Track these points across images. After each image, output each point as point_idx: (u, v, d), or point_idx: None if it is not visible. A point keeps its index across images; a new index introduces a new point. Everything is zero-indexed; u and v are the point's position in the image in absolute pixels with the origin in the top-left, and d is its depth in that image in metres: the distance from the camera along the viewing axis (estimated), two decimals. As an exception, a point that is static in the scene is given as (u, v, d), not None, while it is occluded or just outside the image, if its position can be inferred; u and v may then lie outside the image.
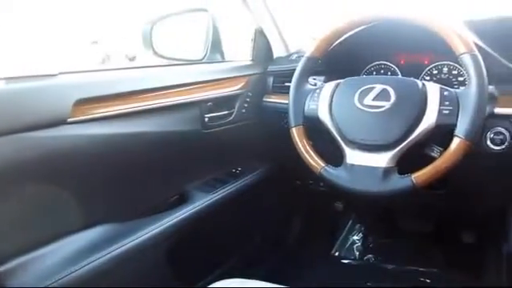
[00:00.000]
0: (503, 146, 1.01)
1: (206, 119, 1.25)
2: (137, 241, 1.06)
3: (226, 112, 1.32)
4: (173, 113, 1.16)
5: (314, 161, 1.03)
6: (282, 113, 1.16)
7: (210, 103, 1.25)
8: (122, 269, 1.04)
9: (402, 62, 1.30)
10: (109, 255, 1.00)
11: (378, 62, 1.34)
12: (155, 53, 1.27)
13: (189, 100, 1.19)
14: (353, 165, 0.98)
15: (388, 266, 1.70)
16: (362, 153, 0.98)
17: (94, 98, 0.97)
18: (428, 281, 1.58)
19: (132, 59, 4.12)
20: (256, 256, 1.61)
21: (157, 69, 1.24)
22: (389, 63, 1.32)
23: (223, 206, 1.31)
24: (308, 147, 1.05)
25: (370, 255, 1.79)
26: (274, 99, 1.38)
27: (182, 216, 1.18)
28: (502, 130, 1.01)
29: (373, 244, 1.83)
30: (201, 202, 1.25)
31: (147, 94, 1.09)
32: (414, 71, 1.25)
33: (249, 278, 0.90)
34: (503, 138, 1.00)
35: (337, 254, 1.82)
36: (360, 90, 1.00)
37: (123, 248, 1.03)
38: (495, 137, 1.01)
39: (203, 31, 1.37)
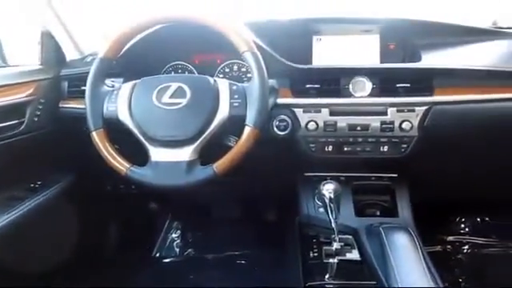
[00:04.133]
0: (287, 131, 1.17)
1: None
2: None
3: (14, 122, 1.19)
4: None
5: (119, 163, 1.02)
6: (81, 118, 1.11)
7: None
8: None
9: (197, 61, 1.38)
10: None
11: (175, 63, 1.39)
12: None
13: None
14: (157, 162, 1.00)
15: (208, 256, 1.79)
16: (165, 149, 1.01)
17: None
18: (243, 262, 1.73)
19: None
20: (74, 270, 1.50)
21: None
22: (185, 63, 1.38)
23: (25, 224, 1.19)
24: (111, 150, 1.03)
25: (190, 249, 1.85)
26: (71, 105, 1.30)
27: None
28: (285, 117, 1.17)
29: (192, 238, 1.90)
30: None
31: None
32: (209, 70, 1.35)
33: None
34: (286, 125, 1.16)
35: (158, 254, 1.83)
36: (157, 89, 1.03)
37: None
38: (280, 124, 1.16)
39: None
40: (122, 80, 1.23)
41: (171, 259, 1.81)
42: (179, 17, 1.06)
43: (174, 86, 1.03)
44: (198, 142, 1.00)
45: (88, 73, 1.08)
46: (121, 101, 1.04)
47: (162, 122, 1.01)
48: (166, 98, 1.02)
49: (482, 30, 1.31)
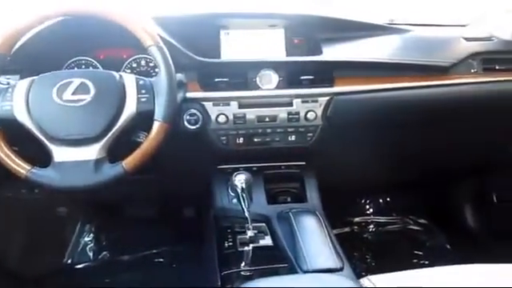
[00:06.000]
0: (198, 125, 1.17)
1: None
2: None
3: None
4: None
5: (18, 165, 0.95)
6: None
7: None
8: None
9: (102, 56, 1.33)
10: None
11: (78, 58, 1.32)
12: None
13: None
14: (62, 162, 0.95)
15: (124, 258, 1.75)
16: (70, 148, 0.96)
17: None
18: (161, 260, 1.71)
19: None
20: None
21: None
22: (89, 58, 1.32)
23: None
24: (8, 151, 0.96)
25: (105, 252, 1.79)
26: (-42, 105, 1.18)
27: None
28: (195, 111, 1.17)
29: (106, 241, 1.83)
30: None
31: None
32: (115, 65, 1.30)
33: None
34: (197, 119, 1.17)
35: (70, 261, 1.75)
36: (58, 86, 0.97)
37: None
38: (190, 118, 1.17)
39: None
40: (18, 77, 1.15)
41: (84, 264, 1.74)
42: (80, 10, 1.01)
43: (77, 81, 0.98)
44: (106, 139, 0.97)
45: None
46: (17, 99, 0.97)
47: (64, 120, 0.96)
48: (67, 95, 0.97)
49: (378, 25, 1.41)
